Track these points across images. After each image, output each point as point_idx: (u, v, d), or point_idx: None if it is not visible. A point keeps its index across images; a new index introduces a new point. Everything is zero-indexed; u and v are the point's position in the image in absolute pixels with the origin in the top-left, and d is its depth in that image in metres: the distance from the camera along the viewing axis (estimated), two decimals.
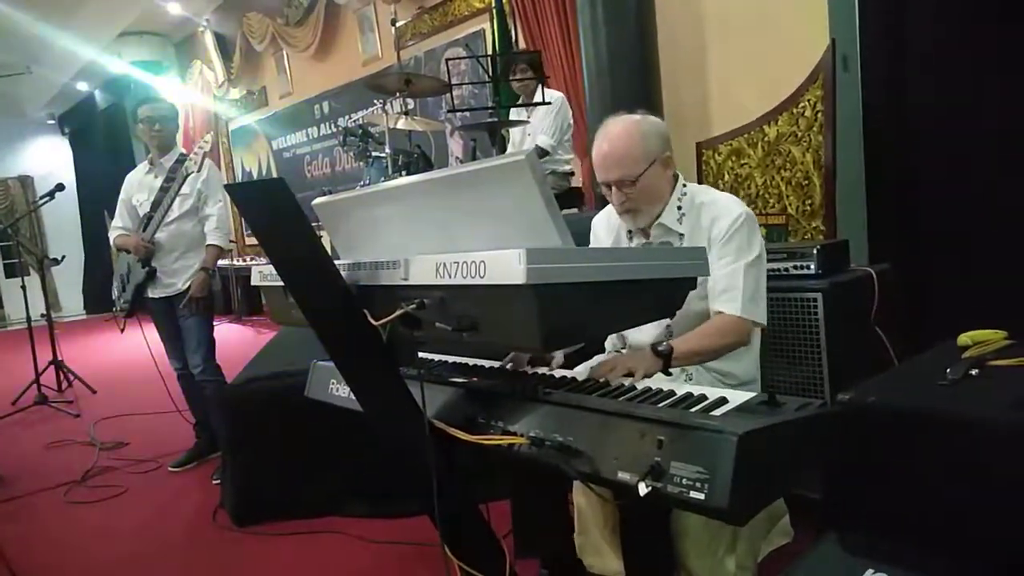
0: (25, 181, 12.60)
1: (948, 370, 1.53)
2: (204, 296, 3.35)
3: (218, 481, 3.07)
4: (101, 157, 11.71)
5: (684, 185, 1.87)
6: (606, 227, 2.04)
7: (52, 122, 13.13)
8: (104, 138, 11.83)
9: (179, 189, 3.25)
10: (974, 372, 1.53)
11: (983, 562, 1.17)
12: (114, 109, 11.56)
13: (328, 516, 2.63)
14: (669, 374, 1.61)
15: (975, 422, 1.34)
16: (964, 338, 1.78)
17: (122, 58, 9.94)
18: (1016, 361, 1.57)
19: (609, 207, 2.02)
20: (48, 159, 12.82)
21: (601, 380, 1.42)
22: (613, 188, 1.79)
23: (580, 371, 1.64)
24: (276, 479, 2.70)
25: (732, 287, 1.72)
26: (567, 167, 4.39)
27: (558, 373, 1.57)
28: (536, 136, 4.20)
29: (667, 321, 1.82)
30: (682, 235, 1.82)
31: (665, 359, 1.56)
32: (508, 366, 1.67)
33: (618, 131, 1.77)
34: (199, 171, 3.25)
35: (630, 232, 1.95)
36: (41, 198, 4.98)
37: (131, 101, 10.14)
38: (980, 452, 1.32)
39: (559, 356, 1.71)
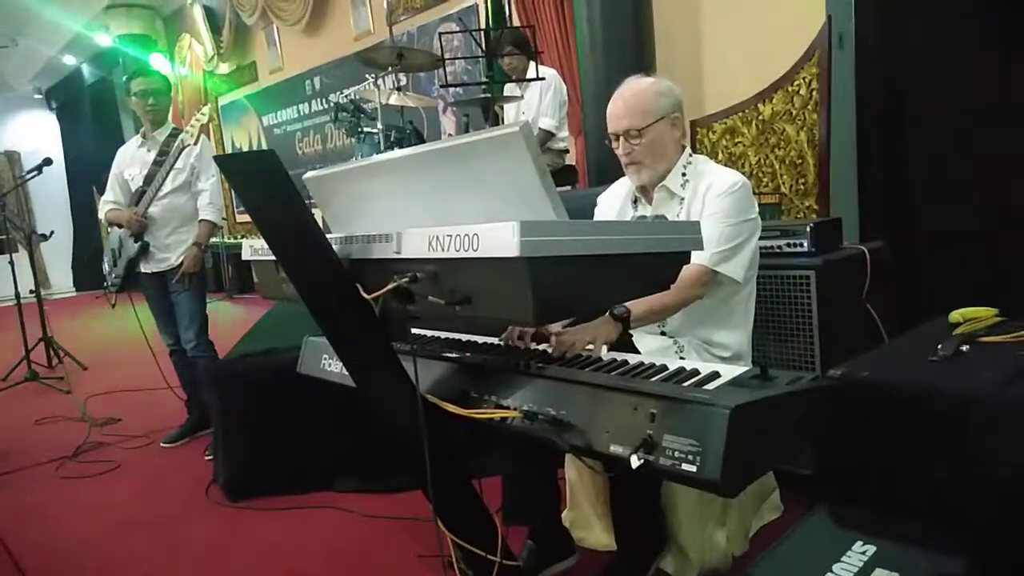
0: (12, 156, 12.45)
1: (939, 346, 1.54)
2: (197, 271, 3.33)
3: (210, 457, 3.07)
4: (89, 132, 11.57)
5: (691, 155, 1.92)
6: (610, 200, 2.08)
7: (39, 96, 12.95)
8: (92, 113, 11.69)
9: (174, 163, 3.22)
10: (965, 348, 1.54)
11: (972, 535, 1.18)
12: (102, 83, 11.41)
13: (321, 491, 2.64)
14: (630, 335, 1.64)
15: (965, 398, 1.35)
16: (955, 315, 1.80)
17: (109, 31, 9.78)
18: (1006, 337, 1.59)
19: (615, 183, 2.04)
20: (35, 134, 12.66)
21: (565, 354, 1.43)
22: (621, 139, 1.85)
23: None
24: (269, 454, 2.70)
25: (705, 238, 1.74)
26: (562, 144, 4.36)
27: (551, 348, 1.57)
28: (539, 119, 4.17)
29: None
30: (683, 199, 1.87)
31: (623, 322, 1.59)
32: (518, 343, 1.67)
33: (633, 87, 1.86)
34: (195, 144, 3.22)
35: (636, 200, 1.97)
36: (28, 173, 4.93)
37: (119, 75, 10.01)
38: (969, 427, 1.33)
39: (555, 329, 1.71)
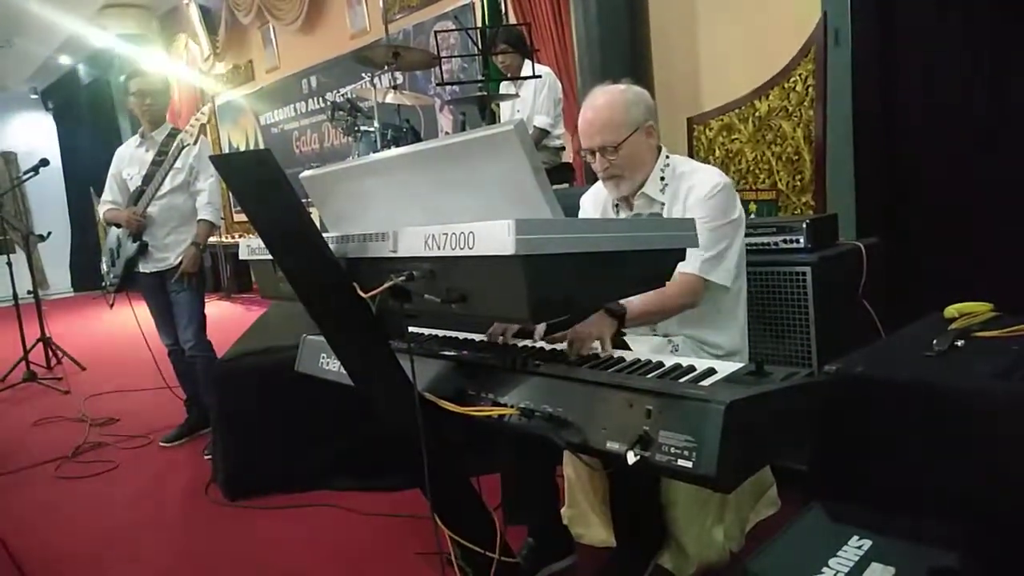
0: (8, 157, 12.41)
1: (935, 341, 1.55)
2: (196, 271, 3.33)
3: (209, 456, 3.07)
4: (86, 132, 11.54)
5: (667, 156, 1.89)
6: (593, 202, 2.06)
7: (35, 97, 12.92)
8: (88, 113, 11.65)
9: (173, 163, 3.22)
10: (960, 343, 1.55)
11: (967, 528, 1.19)
12: (98, 84, 11.38)
13: (320, 490, 2.64)
14: (623, 334, 1.62)
15: (960, 392, 1.36)
16: (951, 310, 1.80)
17: (105, 31, 9.76)
18: (1001, 332, 1.59)
19: (597, 184, 2.03)
20: (32, 134, 12.62)
21: (581, 355, 1.41)
22: (597, 155, 1.81)
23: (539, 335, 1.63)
24: (268, 453, 2.70)
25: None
26: (558, 142, 4.37)
27: (547, 345, 1.58)
28: (534, 117, 4.17)
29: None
30: (663, 204, 1.85)
31: (619, 319, 1.57)
32: (499, 339, 1.68)
33: (603, 99, 1.80)
34: (194, 144, 3.22)
35: (616, 206, 1.96)
36: (25, 173, 4.92)
37: (115, 75, 9.99)
38: (964, 421, 1.34)
39: (540, 328, 1.71)
